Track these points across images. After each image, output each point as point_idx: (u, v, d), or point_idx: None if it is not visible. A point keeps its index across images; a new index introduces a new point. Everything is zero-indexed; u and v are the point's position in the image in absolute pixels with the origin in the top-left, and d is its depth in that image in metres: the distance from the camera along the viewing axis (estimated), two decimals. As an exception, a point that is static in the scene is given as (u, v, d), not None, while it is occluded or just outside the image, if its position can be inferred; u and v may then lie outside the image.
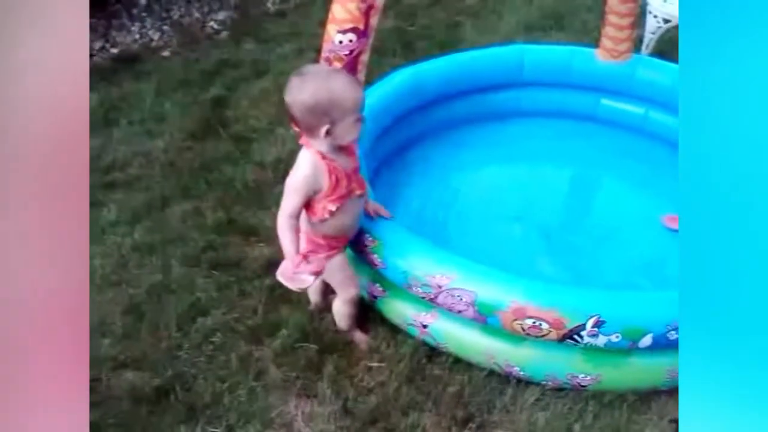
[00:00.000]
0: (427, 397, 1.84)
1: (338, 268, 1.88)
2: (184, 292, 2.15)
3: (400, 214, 2.42)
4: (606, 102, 2.83)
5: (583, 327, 1.71)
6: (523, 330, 1.77)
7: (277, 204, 2.45)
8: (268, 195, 2.55)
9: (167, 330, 2.03)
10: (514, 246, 2.33)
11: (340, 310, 1.97)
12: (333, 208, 1.74)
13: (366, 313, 2.04)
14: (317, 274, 1.71)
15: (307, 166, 1.71)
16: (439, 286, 1.83)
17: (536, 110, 2.87)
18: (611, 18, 2.59)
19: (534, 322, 1.74)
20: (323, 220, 1.77)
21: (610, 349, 1.74)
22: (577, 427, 1.75)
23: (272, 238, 2.35)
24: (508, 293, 1.78)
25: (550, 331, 1.74)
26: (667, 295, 1.75)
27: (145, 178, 2.67)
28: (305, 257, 1.71)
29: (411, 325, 1.97)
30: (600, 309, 1.71)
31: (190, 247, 2.32)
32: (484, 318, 1.81)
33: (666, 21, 2.99)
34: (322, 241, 1.83)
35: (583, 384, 1.81)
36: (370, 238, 1.95)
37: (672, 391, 1.82)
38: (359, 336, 2.01)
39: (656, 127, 2.73)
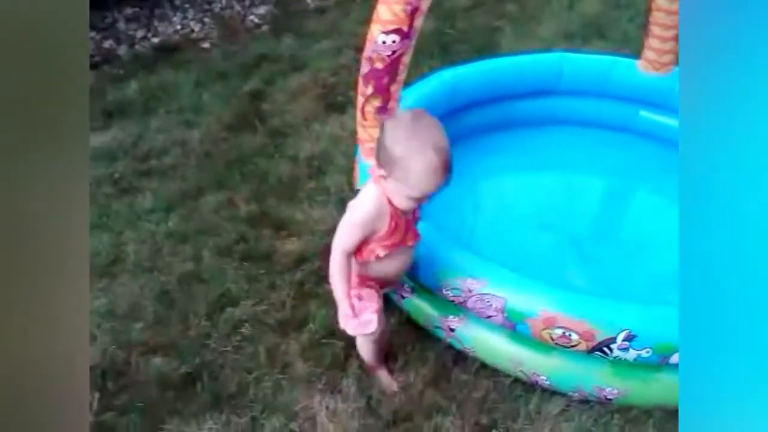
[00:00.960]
0: (451, 401, 1.83)
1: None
2: (214, 282, 2.17)
3: (428, 216, 2.44)
4: (645, 114, 2.79)
5: (613, 340, 1.69)
6: (552, 339, 1.76)
7: (310, 199, 2.52)
8: (301, 190, 2.57)
9: (197, 318, 2.05)
10: (544, 255, 2.31)
11: (363, 346, 1.87)
12: (382, 254, 1.65)
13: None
14: (378, 312, 1.64)
15: (373, 204, 1.59)
16: (470, 291, 1.82)
17: (572, 119, 2.85)
18: (655, 29, 2.55)
19: (564, 332, 1.73)
20: (366, 263, 1.69)
21: (639, 364, 1.73)
22: (601, 440, 1.74)
23: (303, 233, 2.38)
24: (539, 301, 1.77)
25: (580, 342, 1.73)
26: (701, 313, 1.73)
27: (180, 167, 2.71)
28: (359, 297, 1.64)
29: (438, 327, 1.97)
30: (631, 323, 1.69)
31: (222, 238, 2.35)
32: (513, 325, 1.81)
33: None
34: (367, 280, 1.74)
35: (609, 397, 1.79)
36: (402, 239, 1.96)
37: (701, 411, 1.79)
38: (385, 376, 1.89)
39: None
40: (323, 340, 1.98)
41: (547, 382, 1.84)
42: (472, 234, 2.41)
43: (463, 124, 2.76)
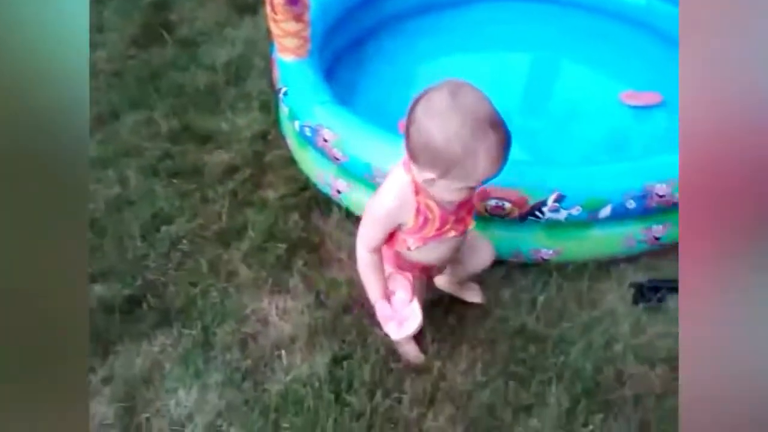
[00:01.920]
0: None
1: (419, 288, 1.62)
2: (144, 203, 2.11)
3: (358, 107, 2.39)
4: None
5: (544, 203, 1.74)
6: (487, 210, 1.79)
7: (232, 108, 2.43)
8: (222, 99, 2.48)
9: (132, 241, 2.00)
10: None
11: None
12: (413, 246, 1.47)
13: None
14: (413, 300, 1.49)
15: (394, 197, 1.39)
16: (403, 176, 1.82)
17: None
18: None
19: (497, 203, 1.77)
20: (399, 252, 1.52)
21: (570, 223, 1.78)
22: (541, 298, 1.81)
23: (230, 142, 2.32)
24: (471, 176, 1.79)
25: (513, 210, 1.77)
26: (624, 166, 1.79)
27: (91, 91, 2.56)
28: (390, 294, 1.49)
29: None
30: (560, 184, 1.73)
31: (146, 158, 2.26)
32: (449, 203, 1.83)
33: None
34: (406, 264, 1.57)
35: (545, 258, 1.87)
36: (330, 133, 1.92)
37: (630, 259, 1.89)
38: (413, 348, 1.69)
39: (614, 5, 2.68)
40: (265, 245, 1.97)
41: (487, 253, 1.89)
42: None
43: (382, 10, 2.68)
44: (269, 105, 2.40)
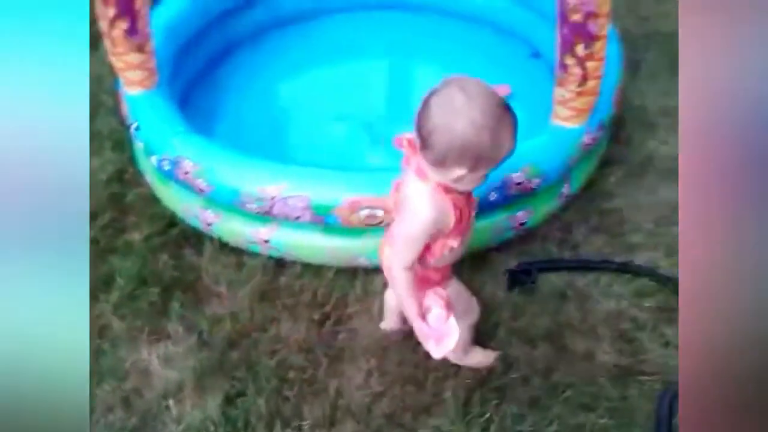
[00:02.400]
0: (282, 309, 1.84)
1: (458, 294, 1.58)
2: None
3: (219, 133, 2.34)
4: (404, -13, 2.84)
5: (414, 206, 1.77)
6: (360, 221, 1.80)
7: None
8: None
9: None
10: (341, 145, 2.34)
11: (464, 337, 1.59)
12: (455, 244, 1.44)
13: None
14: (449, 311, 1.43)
15: (431, 209, 1.36)
16: (272, 197, 1.80)
17: (340, 6, 2.83)
18: None
19: (369, 212, 1.78)
20: (440, 258, 1.47)
21: (442, 221, 1.83)
22: (425, 297, 1.85)
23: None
24: (341, 189, 1.80)
25: (386, 217, 1.79)
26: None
27: None
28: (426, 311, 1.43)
29: (252, 243, 1.94)
30: (426, 186, 1.77)
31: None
32: (322, 219, 1.82)
33: None
34: (434, 276, 1.51)
35: (424, 259, 1.91)
36: (191, 164, 1.86)
37: (499, 247, 1.98)
38: (480, 352, 1.69)
39: (453, 4, 2.79)
40: (136, 291, 1.87)
41: (367, 262, 1.90)
42: (268, 139, 2.36)
43: (236, 29, 2.63)
44: (122, 142, 2.28)
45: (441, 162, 1.31)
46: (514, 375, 1.69)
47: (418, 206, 1.37)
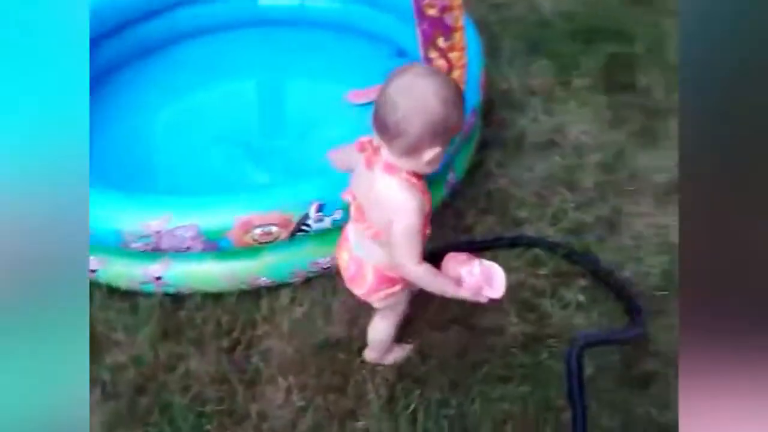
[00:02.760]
0: (188, 344, 1.77)
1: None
2: None
3: (93, 172, 2.21)
4: (263, 2, 2.82)
5: (307, 216, 1.77)
6: (256, 240, 1.77)
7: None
8: None
9: None
10: (222, 168, 2.29)
11: (388, 327, 1.64)
12: (428, 230, 1.43)
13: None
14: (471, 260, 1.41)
15: (412, 196, 1.35)
16: (158, 232, 1.73)
17: (195, 30, 2.77)
18: None
19: (263, 230, 1.76)
20: None
21: (337, 226, 1.83)
22: (335, 304, 1.85)
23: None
24: (229, 211, 1.76)
25: (280, 232, 1.77)
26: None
27: None
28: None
29: (144, 282, 1.85)
30: (316, 194, 1.77)
31: None
32: (214, 244, 1.77)
33: None
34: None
35: (325, 267, 1.90)
36: (63, 212, 1.75)
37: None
38: (401, 350, 1.73)
39: (314, 14, 2.81)
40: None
41: (269, 281, 1.87)
42: (147, 172, 2.28)
43: (96, 62, 2.51)
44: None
45: (415, 147, 1.31)
46: (432, 362, 1.72)
47: (400, 199, 1.35)
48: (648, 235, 2.04)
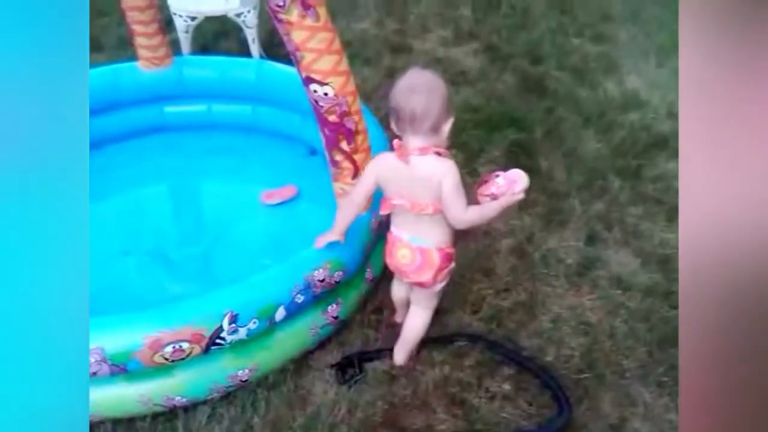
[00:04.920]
0: (97, 479, 1.63)
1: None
2: None
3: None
4: (170, 109, 2.81)
5: (221, 329, 1.70)
6: (167, 359, 1.68)
7: None
8: None
9: None
10: (134, 279, 2.20)
11: (426, 326, 1.91)
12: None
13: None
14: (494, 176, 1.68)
15: (448, 161, 1.65)
16: (59, 360, 1.60)
17: (101, 139, 2.71)
18: (137, 28, 2.55)
19: (174, 347, 1.67)
20: None
21: (253, 337, 1.78)
22: (256, 420, 1.76)
23: None
24: (137, 331, 1.67)
25: (193, 347, 1.69)
26: (282, 266, 1.85)
27: None
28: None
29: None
30: (229, 304, 1.72)
31: None
32: (122, 367, 1.66)
33: (192, 18, 3.08)
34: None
35: (244, 379, 1.82)
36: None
37: (321, 344, 1.96)
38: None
39: (222, 118, 2.83)
40: None
41: (184, 400, 1.77)
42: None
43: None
44: None
45: (438, 123, 1.61)
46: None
47: (441, 166, 1.63)
48: (566, 317, 2.08)
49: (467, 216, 1.64)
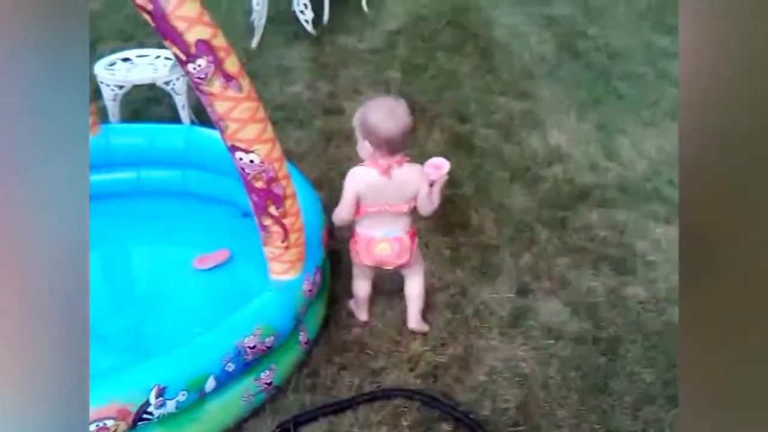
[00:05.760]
0: None
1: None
2: None
3: None
4: (97, 177, 2.75)
5: (148, 403, 1.64)
6: (91, 439, 1.60)
7: None
8: None
9: None
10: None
11: (422, 283, 2.23)
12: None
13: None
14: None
15: (417, 165, 2.07)
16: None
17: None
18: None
19: (98, 425, 1.60)
20: None
21: (183, 409, 1.72)
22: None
23: None
24: (57, 412, 1.58)
25: (119, 425, 1.62)
26: (210, 335, 1.81)
27: None
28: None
29: None
30: (156, 377, 1.66)
31: None
32: (42, 452, 1.57)
33: (120, 87, 3.07)
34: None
35: (174, 455, 1.75)
36: None
37: (256, 411, 1.92)
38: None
39: (153, 185, 2.80)
40: None
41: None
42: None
43: None
44: None
45: (409, 136, 2.02)
46: None
47: (416, 171, 2.03)
48: (500, 369, 2.10)
49: (434, 205, 2.05)
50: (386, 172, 1.95)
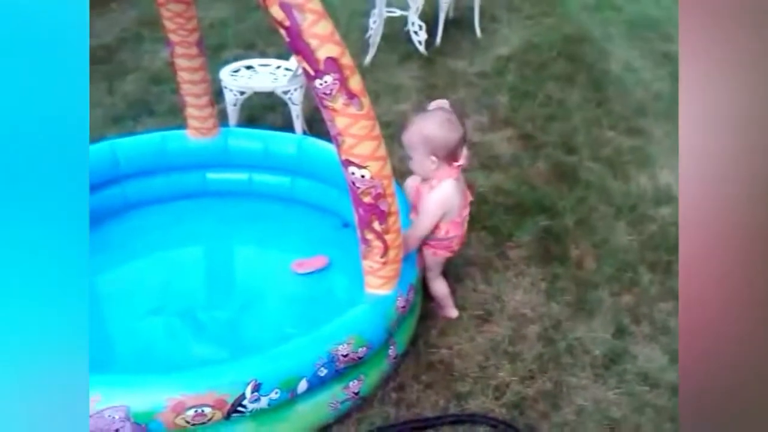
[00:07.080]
0: None
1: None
2: None
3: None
4: (212, 176, 2.93)
5: (243, 396, 1.72)
6: (189, 423, 1.70)
7: None
8: None
9: None
10: (163, 340, 2.23)
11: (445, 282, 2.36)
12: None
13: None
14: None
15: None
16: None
17: (144, 200, 2.83)
18: (189, 99, 2.70)
19: (196, 411, 1.69)
20: None
21: (274, 407, 1.79)
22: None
23: None
24: (161, 392, 1.69)
25: (215, 413, 1.71)
26: (308, 338, 1.87)
27: None
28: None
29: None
30: (253, 373, 1.74)
31: None
32: (144, 427, 1.68)
33: (242, 93, 3.25)
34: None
35: (262, 450, 1.82)
36: None
37: (340, 419, 1.96)
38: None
39: (262, 188, 2.93)
40: None
41: (204, 466, 1.77)
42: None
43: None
44: None
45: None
46: None
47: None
48: (590, 410, 2.04)
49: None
50: (458, 173, 2.14)
